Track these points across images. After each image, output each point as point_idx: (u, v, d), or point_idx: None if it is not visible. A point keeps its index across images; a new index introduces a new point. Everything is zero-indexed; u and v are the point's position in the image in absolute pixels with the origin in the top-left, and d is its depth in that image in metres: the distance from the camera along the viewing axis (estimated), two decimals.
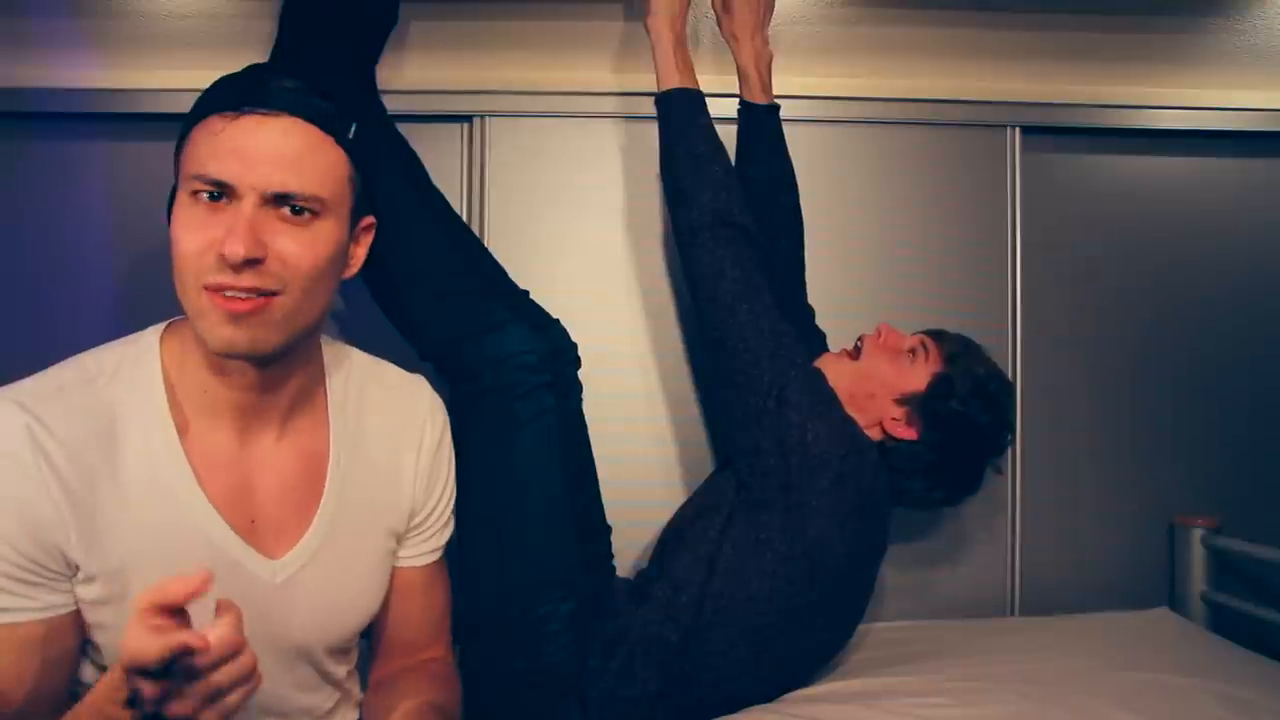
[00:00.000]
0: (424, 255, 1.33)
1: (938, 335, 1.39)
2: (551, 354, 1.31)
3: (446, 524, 1.13)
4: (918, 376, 1.34)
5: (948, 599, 1.68)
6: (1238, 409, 1.77)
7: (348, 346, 1.11)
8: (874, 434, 1.35)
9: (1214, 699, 1.23)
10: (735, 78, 1.54)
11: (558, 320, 1.38)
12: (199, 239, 0.86)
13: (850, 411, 1.32)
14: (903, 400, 1.34)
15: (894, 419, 1.34)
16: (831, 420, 1.28)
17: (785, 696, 1.30)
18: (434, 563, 1.12)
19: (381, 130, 1.41)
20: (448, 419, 1.14)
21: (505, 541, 1.27)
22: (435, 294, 1.32)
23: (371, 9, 1.41)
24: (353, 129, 0.93)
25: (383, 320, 1.37)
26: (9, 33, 1.49)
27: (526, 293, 1.41)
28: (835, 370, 1.37)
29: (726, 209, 1.32)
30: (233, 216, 0.86)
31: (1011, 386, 1.38)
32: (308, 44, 1.37)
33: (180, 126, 0.93)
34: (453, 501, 1.14)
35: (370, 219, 0.99)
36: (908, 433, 1.33)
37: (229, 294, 0.86)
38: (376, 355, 1.14)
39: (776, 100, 1.53)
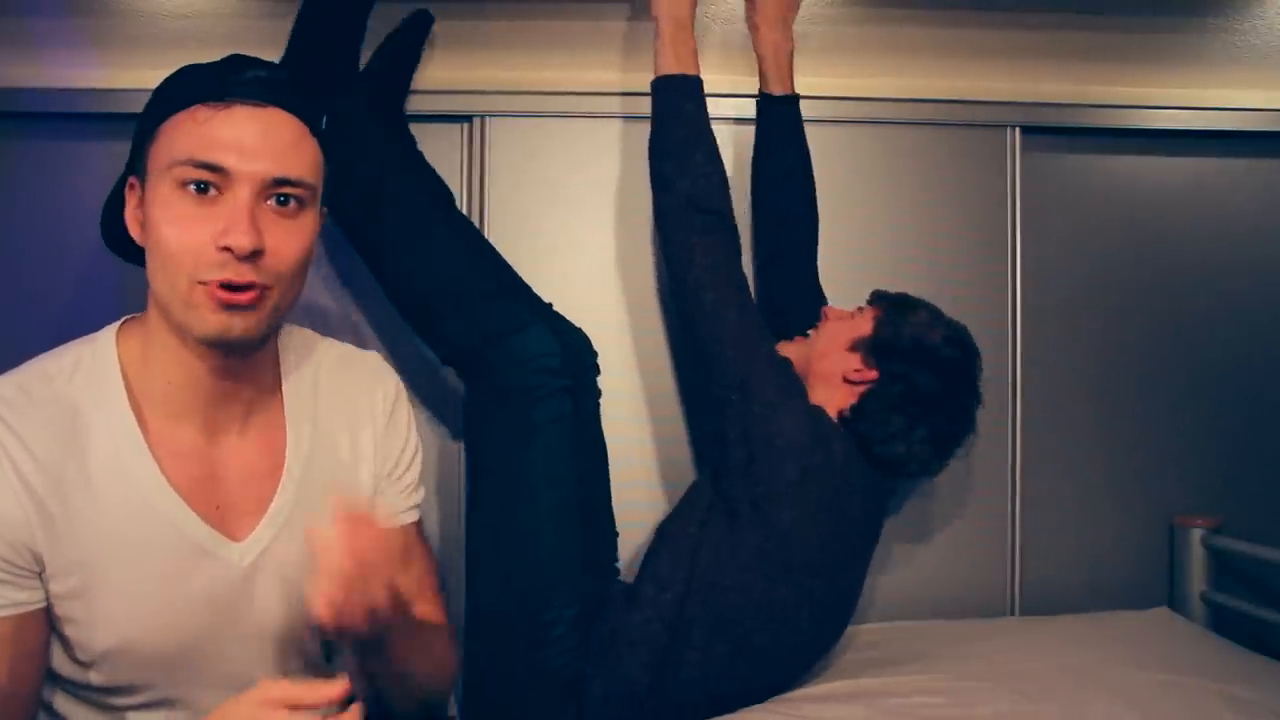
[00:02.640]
0: (446, 260, 1.33)
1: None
2: (572, 358, 1.31)
3: (414, 488, 1.11)
4: (862, 324, 1.37)
5: (948, 599, 1.67)
6: (1238, 409, 1.77)
7: (295, 326, 1.09)
8: (840, 400, 1.33)
9: (1214, 698, 1.23)
10: (741, 78, 1.55)
11: (581, 330, 1.39)
12: (194, 233, 0.86)
13: (815, 388, 1.34)
14: (855, 346, 1.35)
15: (855, 370, 1.33)
16: (794, 410, 1.28)
17: (784, 696, 1.30)
18: (404, 528, 1.10)
19: (394, 131, 1.41)
20: (401, 385, 1.12)
21: (515, 544, 1.27)
22: (459, 297, 1.32)
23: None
24: (324, 121, 0.95)
25: (388, 321, 1.37)
26: (8, 32, 1.49)
27: (550, 305, 1.41)
28: (795, 353, 1.39)
29: (703, 195, 1.32)
30: (230, 208, 0.86)
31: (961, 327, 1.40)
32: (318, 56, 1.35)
33: (142, 118, 0.92)
34: (416, 465, 1.11)
35: (324, 209, 0.99)
36: (869, 375, 1.32)
37: (229, 288, 0.86)
38: (392, 356, 1.13)
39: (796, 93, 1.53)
